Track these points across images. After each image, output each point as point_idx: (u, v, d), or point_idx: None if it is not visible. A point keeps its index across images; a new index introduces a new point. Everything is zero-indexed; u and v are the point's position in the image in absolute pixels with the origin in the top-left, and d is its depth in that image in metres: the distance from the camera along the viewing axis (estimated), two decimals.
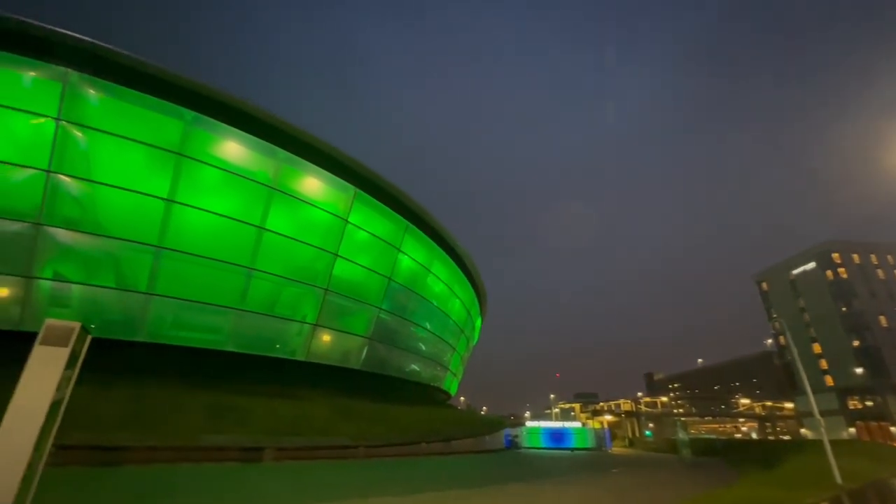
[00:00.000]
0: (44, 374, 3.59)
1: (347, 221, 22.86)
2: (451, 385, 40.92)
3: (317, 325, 21.89)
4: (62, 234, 15.92)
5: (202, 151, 18.51)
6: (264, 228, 19.81)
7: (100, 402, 12.65)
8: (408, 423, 20.74)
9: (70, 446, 9.86)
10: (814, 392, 18.45)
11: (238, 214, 19.35)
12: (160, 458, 11.97)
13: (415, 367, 31.32)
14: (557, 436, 44.01)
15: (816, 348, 76.04)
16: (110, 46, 16.48)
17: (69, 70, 15.78)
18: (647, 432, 78.64)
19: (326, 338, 22.99)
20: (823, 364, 74.65)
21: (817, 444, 20.85)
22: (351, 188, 22.97)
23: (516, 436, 42.49)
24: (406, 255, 27.03)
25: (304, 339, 21.71)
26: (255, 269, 19.62)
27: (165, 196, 17.39)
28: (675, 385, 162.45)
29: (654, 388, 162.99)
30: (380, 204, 24.66)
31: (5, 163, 15.47)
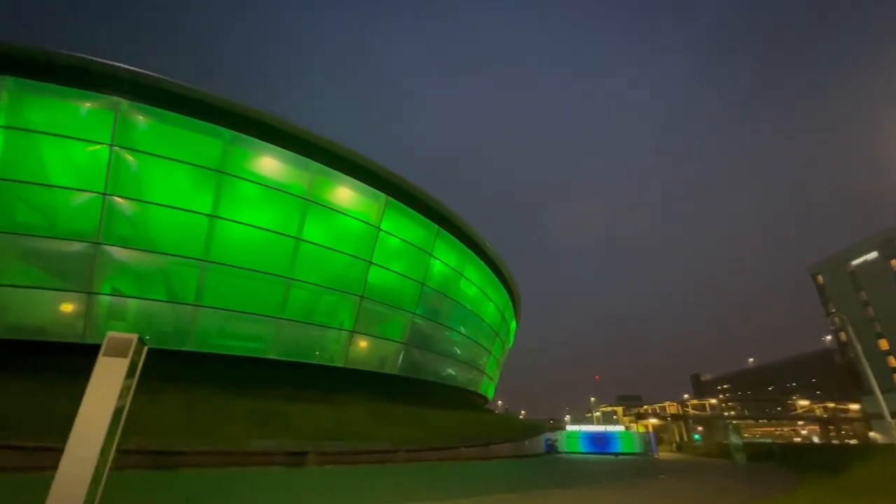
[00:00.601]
0: (107, 384, 3.86)
1: (380, 229, 23.25)
2: (488, 389, 40.61)
3: (354, 332, 22.33)
4: (118, 252, 17.06)
5: (241, 168, 19.37)
6: (301, 239, 20.46)
7: (155, 408, 13.40)
8: (446, 428, 20.74)
9: (130, 451, 10.51)
10: (883, 392, 17.06)
11: (276, 227, 20.09)
12: (211, 463, 12.53)
13: (451, 371, 31.33)
14: (600, 440, 42.68)
15: (883, 344, 70.35)
16: (157, 75, 17.60)
17: (120, 99, 16.97)
18: (696, 436, 75.12)
19: (364, 344, 23.40)
20: (892, 361, 68.97)
21: (889, 448, 19.25)
22: (382, 196, 23.36)
23: (554, 440, 41.45)
24: (438, 259, 27.16)
25: (342, 345, 22.19)
26: (293, 279, 20.27)
27: (208, 212, 18.30)
28: (725, 386, 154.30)
29: (701, 389, 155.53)
30: (410, 210, 24.95)
31: (67, 188, 16.82)
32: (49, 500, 3.32)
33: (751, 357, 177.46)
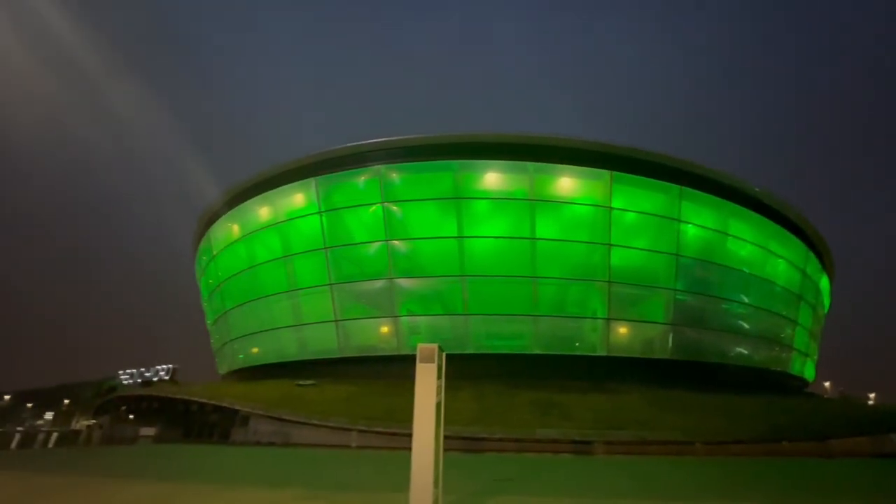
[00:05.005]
0: (426, 384, 4.98)
1: (611, 208, 21.90)
2: (805, 367, 31.75)
3: (609, 319, 21.56)
4: (404, 282, 21.92)
5: (470, 189, 21.98)
6: (535, 238, 21.38)
7: (456, 402, 16.26)
8: (753, 416, 17.27)
9: (448, 437, 13.07)
10: None
11: (511, 232, 21.74)
12: (508, 448, 14.26)
13: (741, 349, 26.08)
14: None
15: None
16: (394, 137, 22.10)
17: (380, 165, 22.00)
18: None
19: (623, 330, 22.26)
20: None
21: None
22: (605, 173, 22.00)
23: None
24: (689, 223, 23.39)
25: (600, 333, 21.71)
26: (537, 277, 21.30)
27: (456, 234, 21.43)
28: None
29: None
30: (641, 178, 22.49)
31: (365, 243, 22.76)
32: (413, 473, 4.51)
33: None
